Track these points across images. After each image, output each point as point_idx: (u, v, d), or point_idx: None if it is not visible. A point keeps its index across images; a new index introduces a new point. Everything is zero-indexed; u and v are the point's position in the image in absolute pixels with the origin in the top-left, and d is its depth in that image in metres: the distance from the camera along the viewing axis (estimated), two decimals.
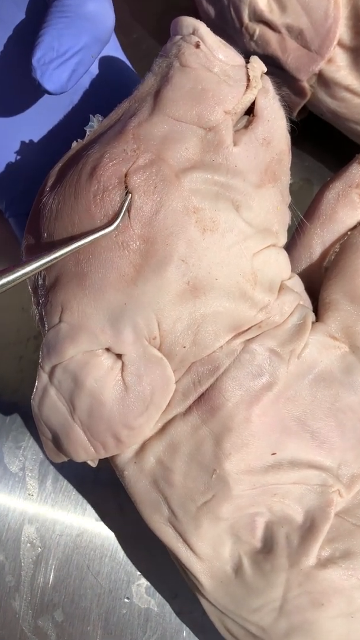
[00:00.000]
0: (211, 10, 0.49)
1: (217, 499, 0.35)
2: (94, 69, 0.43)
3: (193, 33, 0.35)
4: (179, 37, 0.35)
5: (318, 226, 0.40)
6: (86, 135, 0.36)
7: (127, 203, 0.32)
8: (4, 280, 0.30)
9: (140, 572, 0.45)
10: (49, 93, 0.37)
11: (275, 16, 0.45)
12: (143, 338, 0.33)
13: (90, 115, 0.36)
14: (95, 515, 0.46)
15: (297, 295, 0.37)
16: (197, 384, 0.35)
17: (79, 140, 0.36)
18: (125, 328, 0.33)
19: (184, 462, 0.35)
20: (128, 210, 0.32)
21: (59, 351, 0.33)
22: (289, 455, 0.35)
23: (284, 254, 0.37)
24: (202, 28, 0.34)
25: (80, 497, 0.47)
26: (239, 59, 0.35)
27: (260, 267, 0.35)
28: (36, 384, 0.35)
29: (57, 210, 0.34)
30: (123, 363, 0.33)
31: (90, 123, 0.36)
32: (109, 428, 0.34)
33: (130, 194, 0.32)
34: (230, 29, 0.48)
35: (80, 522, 0.46)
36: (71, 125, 0.44)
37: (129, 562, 0.45)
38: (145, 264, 0.32)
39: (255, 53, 0.47)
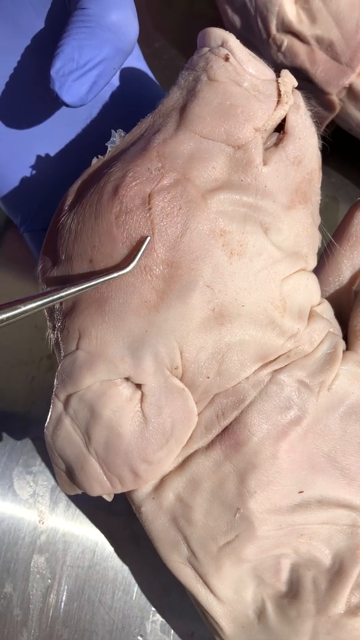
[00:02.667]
0: (237, 20, 0.47)
1: (240, 539, 0.33)
2: (115, 81, 0.41)
3: (222, 45, 0.33)
4: (206, 49, 0.33)
5: (347, 248, 0.38)
6: (107, 151, 0.34)
7: (145, 245, 0.30)
8: (16, 312, 0.28)
9: (155, 608, 0.42)
10: (68, 105, 0.35)
11: (304, 27, 0.44)
12: (164, 367, 0.31)
13: (112, 130, 0.34)
14: (109, 546, 0.44)
15: (327, 322, 0.35)
16: (221, 416, 0.33)
17: (99, 156, 0.34)
18: (146, 357, 0.31)
19: (205, 500, 0.33)
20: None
21: (75, 380, 0.32)
22: (317, 494, 0.33)
23: (314, 278, 0.35)
24: (232, 40, 0.33)
25: (93, 526, 0.45)
26: (270, 73, 0.33)
27: (290, 293, 0.33)
28: (50, 412, 0.33)
29: (76, 231, 0.32)
30: (143, 393, 0.32)
31: (112, 138, 0.34)
32: (127, 462, 0.32)
33: (149, 238, 0.30)
34: (256, 40, 0.46)
35: (93, 553, 0.44)
36: (89, 140, 0.42)
37: (144, 597, 0.43)
38: (169, 289, 0.31)
39: (282, 65, 0.45)
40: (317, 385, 0.33)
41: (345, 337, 0.36)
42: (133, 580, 0.43)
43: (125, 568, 0.44)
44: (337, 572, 0.33)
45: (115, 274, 0.30)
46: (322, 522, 0.33)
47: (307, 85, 0.45)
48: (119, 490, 0.33)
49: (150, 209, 0.30)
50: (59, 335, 0.33)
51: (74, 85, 0.35)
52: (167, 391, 0.32)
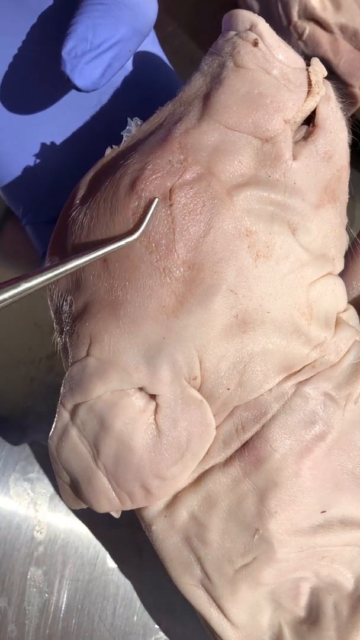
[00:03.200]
0: (255, 5, 0.44)
1: (258, 562, 0.31)
2: (128, 65, 0.38)
3: (250, 29, 0.30)
4: (233, 33, 0.31)
5: None
6: (123, 140, 0.31)
7: (152, 208, 0.28)
8: (18, 289, 0.26)
9: (158, 625, 0.40)
10: (79, 90, 0.32)
11: (328, 14, 0.41)
12: (182, 378, 0.29)
13: (128, 119, 0.32)
14: (110, 559, 0.42)
15: (354, 330, 0.33)
16: (241, 430, 0.31)
17: (113, 146, 0.32)
18: (163, 366, 0.29)
19: (221, 519, 0.31)
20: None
21: (84, 389, 0.29)
22: (339, 514, 0.31)
23: (341, 283, 0.33)
24: (262, 24, 0.30)
25: (94, 538, 0.43)
26: (300, 61, 0.31)
27: (316, 299, 0.31)
28: (55, 422, 0.31)
29: (88, 228, 0.29)
30: (157, 404, 0.29)
31: (127, 127, 0.31)
32: (138, 477, 0.30)
33: (157, 199, 0.28)
34: (275, 27, 0.43)
35: (93, 566, 0.42)
36: (99, 128, 0.39)
37: (146, 613, 0.41)
38: (190, 293, 0.28)
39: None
40: (343, 399, 0.31)
41: None
42: (135, 596, 0.41)
43: (128, 582, 0.42)
44: (359, 598, 0.31)
45: (122, 242, 0.28)
46: (345, 543, 0.31)
47: (329, 76, 0.43)
48: (129, 507, 0.31)
49: (171, 205, 0.28)
50: (67, 340, 0.31)
51: (86, 67, 0.32)
52: (183, 403, 0.29)
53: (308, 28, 0.42)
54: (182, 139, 0.29)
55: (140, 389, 0.29)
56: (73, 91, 0.37)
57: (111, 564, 0.42)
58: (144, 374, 0.29)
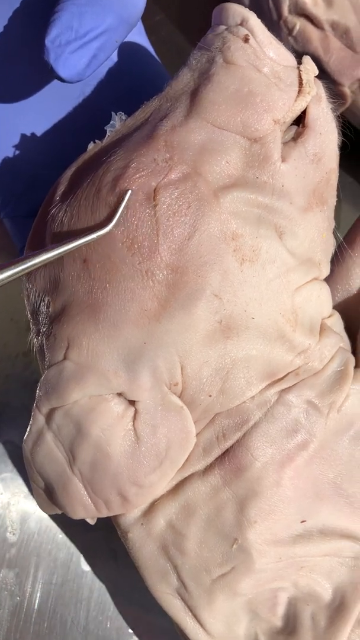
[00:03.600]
0: None
1: (236, 572, 0.30)
2: (114, 56, 0.37)
3: (241, 24, 0.29)
4: (223, 27, 0.30)
5: (358, 257, 0.35)
6: (106, 135, 0.30)
7: (125, 200, 0.27)
8: None
9: (132, 629, 0.40)
10: (62, 80, 0.31)
11: (319, 10, 0.40)
12: (163, 383, 0.28)
13: (113, 113, 0.30)
14: (85, 562, 0.41)
15: (338, 337, 0.32)
16: (222, 438, 0.30)
17: (96, 141, 0.30)
18: (143, 371, 0.28)
19: (199, 528, 0.30)
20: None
21: (61, 393, 0.28)
22: (319, 523, 0.30)
23: (327, 288, 0.32)
24: (253, 19, 0.29)
25: (67, 540, 0.42)
26: (292, 59, 0.30)
27: (302, 305, 0.30)
28: (30, 425, 0.30)
29: (68, 225, 0.28)
30: (136, 411, 0.28)
31: (111, 122, 0.30)
32: (115, 484, 0.29)
33: (130, 190, 0.27)
34: (266, 21, 0.42)
35: (67, 569, 0.41)
36: (81, 120, 0.38)
37: (120, 617, 0.40)
38: (172, 297, 0.27)
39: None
40: (326, 407, 0.30)
41: (354, 352, 0.34)
42: (109, 599, 0.40)
43: (102, 586, 0.41)
44: (337, 608, 0.31)
45: (93, 235, 0.27)
46: (324, 554, 0.31)
47: (318, 74, 0.42)
48: (105, 514, 0.30)
49: (155, 205, 0.27)
50: (44, 342, 0.29)
51: (71, 57, 0.31)
52: (163, 409, 0.29)
53: (299, 24, 0.41)
54: (168, 137, 0.28)
55: (119, 394, 0.28)
56: (55, 81, 0.36)
57: (85, 566, 0.41)
58: (123, 379, 0.28)
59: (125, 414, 0.28)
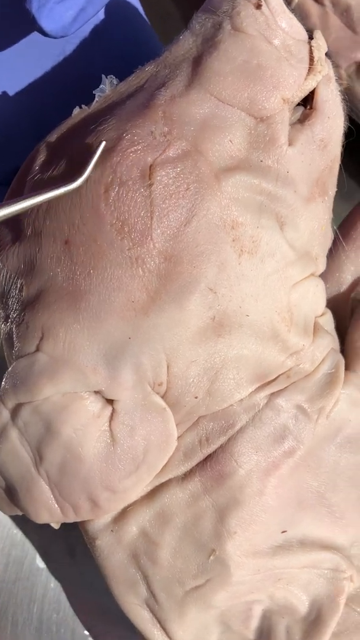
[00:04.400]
0: None
1: (211, 584, 0.28)
2: (100, 13, 0.33)
3: None
4: None
5: (352, 250, 0.34)
6: (95, 100, 0.27)
7: (98, 153, 0.24)
8: None
9: (88, 631, 0.38)
10: (44, 34, 0.28)
11: None
12: (146, 382, 0.26)
13: (103, 76, 0.27)
14: (40, 559, 0.39)
15: (331, 337, 0.30)
16: (205, 442, 0.28)
17: (83, 106, 0.27)
18: (125, 368, 0.25)
19: (174, 537, 0.28)
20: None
21: (30, 388, 0.25)
22: (299, 533, 0.29)
23: (322, 285, 0.30)
24: None
25: (22, 535, 0.39)
26: (304, 33, 0.28)
27: (297, 302, 0.28)
28: None
29: (49, 201, 0.25)
30: (114, 410, 0.26)
31: (101, 86, 0.27)
32: (85, 488, 0.27)
33: (104, 142, 0.24)
34: None
35: (21, 566, 0.39)
36: (61, 82, 0.34)
37: (76, 618, 0.38)
38: (164, 289, 0.25)
39: None
40: (316, 412, 0.29)
41: (342, 351, 0.32)
42: (65, 598, 0.38)
43: (58, 585, 0.39)
44: (314, 622, 0.29)
45: (61, 190, 0.24)
46: (303, 565, 0.29)
47: None
48: (72, 519, 0.28)
49: (150, 185, 0.24)
50: (13, 329, 0.26)
51: (56, 8, 0.27)
52: (144, 409, 0.26)
53: None
54: (167, 108, 0.25)
55: (96, 392, 0.26)
56: (33, 35, 0.32)
57: (40, 564, 0.39)
58: (102, 376, 0.25)
59: (101, 413, 0.26)
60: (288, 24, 0.27)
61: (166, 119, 0.25)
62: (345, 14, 0.38)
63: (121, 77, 0.28)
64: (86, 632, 0.38)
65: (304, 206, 0.27)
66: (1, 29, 0.32)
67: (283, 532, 0.29)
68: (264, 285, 0.26)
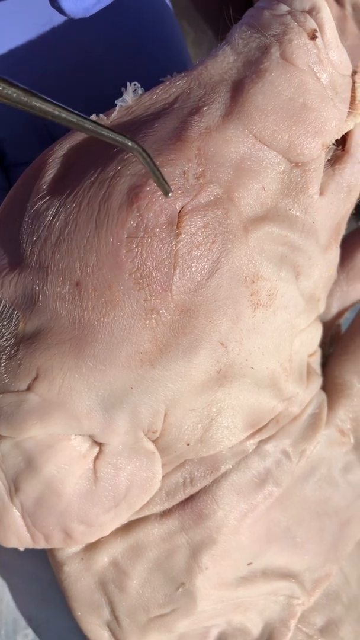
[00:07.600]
0: None
1: (176, 614, 0.29)
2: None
3: (310, 12, 0.23)
4: (286, 8, 0.24)
5: (343, 280, 0.33)
6: (116, 110, 0.24)
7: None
8: None
9: (28, 621, 0.37)
10: (63, 13, 0.24)
11: None
12: (140, 430, 0.25)
13: (128, 83, 0.24)
14: None
15: (320, 379, 0.30)
16: (188, 484, 0.27)
17: (101, 115, 0.24)
18: (121, 416, 0.24)
19: (145, 569, 0.28)
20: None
21: (15, 426, 0.24)
22: (263, 564, 0.30)
23: (320, 327, 0.29)
24: (325, 11, 0.23)
25: None
26: (350, 67, 0.25)
27: (298, 349, 0.28)
28: None
29: (61, 233, 0.22)
30: (101, 451, 0.25)
31: (123, 96, 0.23)
32: (60, 522, 0.26)
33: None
34: None
35: None
36: (70, 65, 0.30)
37: (16, 608, 0.37)
38: (174, 342, 0.23)
39: None
40: (297, 455, 0.29)
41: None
42: (5, 586, 0.37)
43: None
44: None
45: (118, 137, 0.19)
46: (263, 593, 0.30)
47: None
48: (42, 547, 0.27)
49: (177, 235, 0.22)
50: (1, 358, 0.24)
51: None
52: (132, 452, 0.25)
53: None
54: (202, 144, 0.22)
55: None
56: (42, 12, 0.27)
57: None
58: (96, 422, 0.24)
59: (87, 453, 0.25)
60: (338, 58, 0.24)
61: (200, 157, 0.22)
62: None
63: (134, 68, 0.25)
64: (24, 622, 0.37)
65: (321, 255, 0.26)
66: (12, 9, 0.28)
67: (249, 564, 0.29)
68: (272, 337, 0.25)
